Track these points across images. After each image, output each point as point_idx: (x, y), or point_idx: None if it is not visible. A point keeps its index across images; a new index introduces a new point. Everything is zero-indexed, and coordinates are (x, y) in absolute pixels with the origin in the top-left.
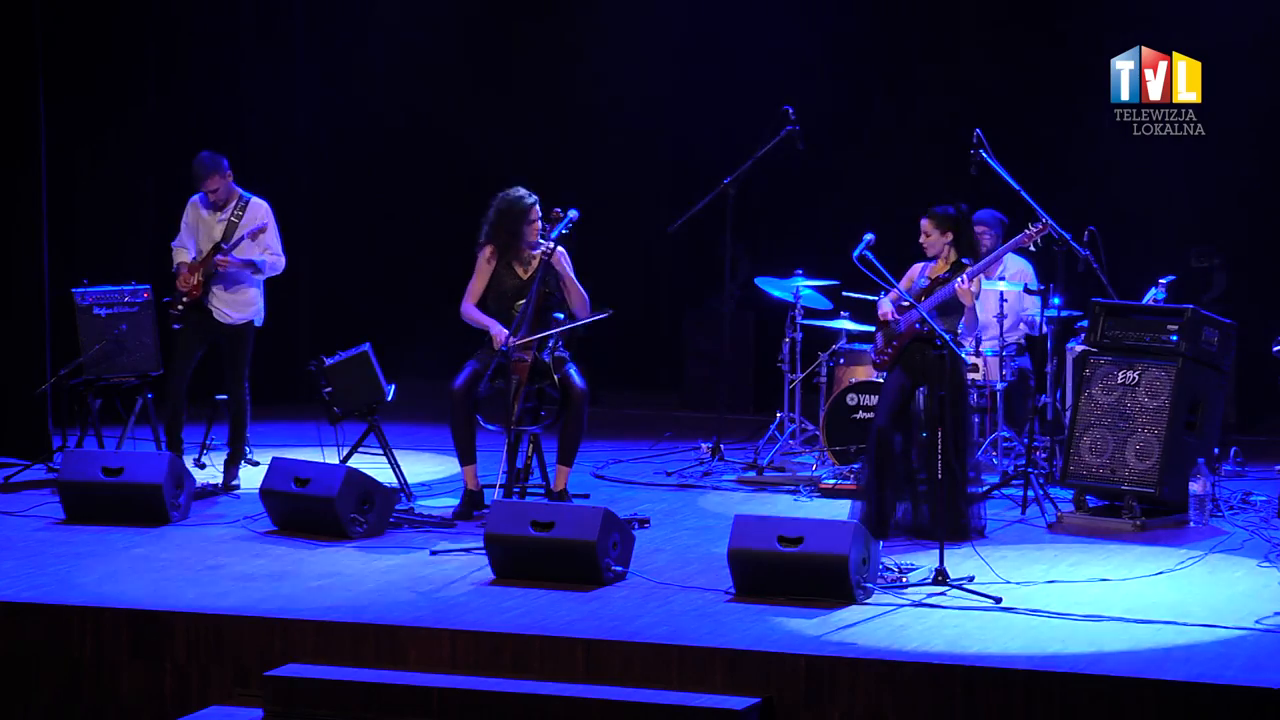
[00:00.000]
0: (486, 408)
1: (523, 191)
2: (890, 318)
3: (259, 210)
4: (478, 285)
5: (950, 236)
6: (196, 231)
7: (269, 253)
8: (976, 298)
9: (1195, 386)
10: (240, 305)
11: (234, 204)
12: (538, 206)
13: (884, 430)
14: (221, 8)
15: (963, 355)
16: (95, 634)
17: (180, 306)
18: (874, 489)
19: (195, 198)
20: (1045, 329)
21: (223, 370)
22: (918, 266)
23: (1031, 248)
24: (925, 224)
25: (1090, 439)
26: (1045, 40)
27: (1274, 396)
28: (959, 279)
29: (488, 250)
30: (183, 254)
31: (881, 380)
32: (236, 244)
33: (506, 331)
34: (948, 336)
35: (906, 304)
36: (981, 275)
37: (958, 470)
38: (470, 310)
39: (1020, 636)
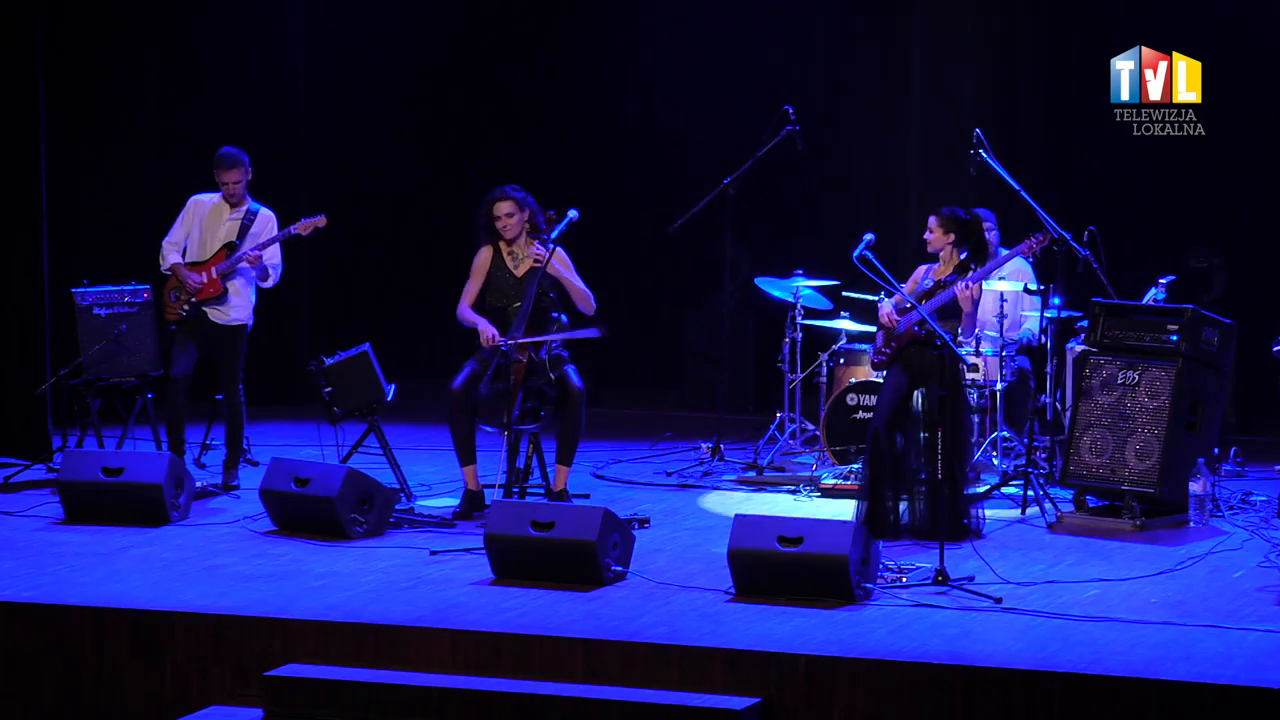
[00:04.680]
0: (485, 408)
1: (498, 189)
2: (890, 320)
3: (271, 220)
4: (472, 287)
5: (952, 237)
6: (201, 227)
7: (274, 253)
8: (976, 302)
9: (1195, 386)
10: (236, 307)
11: (245, 207)
12: (507, 203)
13: (880, 430)
14: (223, 10)
15: (963, 355)
16: (95, 634)
17: (186, 308)
18: (872, 489)
19: (202, 195)
20: (1043, 339)
21: (217, 371)
22: (922, 268)
23: (1031, 257)
24: (931, 221)
25: (1090, 439)
26: (1045, 40)
27: (1274, 396)
28: (960, 284)
29: (481, 252)
30: (174, 253)
31: (881, 380)
32: (269, 244)
33: (494, 329)
34: (948, 337)
35: (908, 305)
36: (983, 280)
37: (957, 470)
38: (464, 311)
39: (1020, 636)
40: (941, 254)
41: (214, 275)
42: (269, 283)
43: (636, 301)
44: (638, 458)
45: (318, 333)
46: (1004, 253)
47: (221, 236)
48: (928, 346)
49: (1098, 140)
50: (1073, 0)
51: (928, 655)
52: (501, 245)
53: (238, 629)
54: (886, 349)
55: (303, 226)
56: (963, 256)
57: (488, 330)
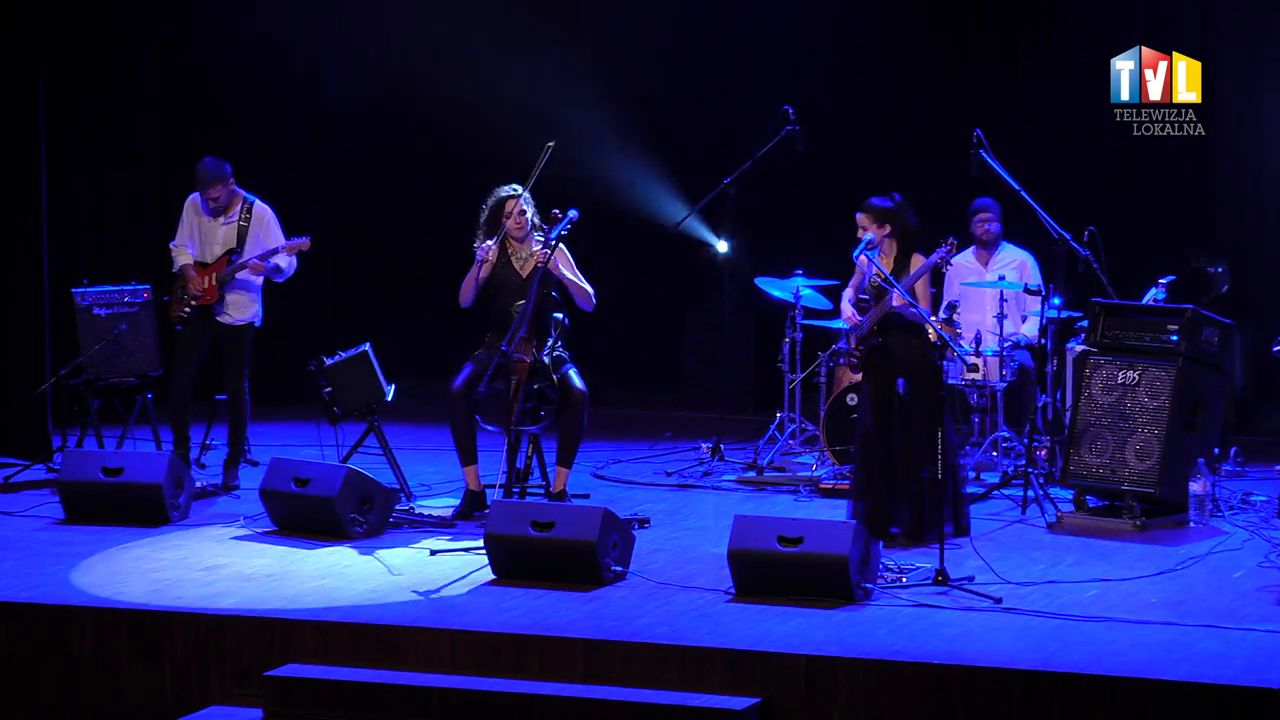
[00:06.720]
0: (485, 408)
1: (507, 186)
2: (851, 320)
3: (266, 214)
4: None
5: (888, 229)
6: (200, 232)
7: (281, 256)
8: (925, 297)
9: (1195, 386)
10: (241, 307)
11: (239, 208)
12: (520, 200)
13: (869, 430)
14: (223, 10)
15: (953, 344)
16: (95, 634)
17: (187, 310)
18: (865, 489)
19: (194, 197)
20: (1042, 341)
21: (223, 370)
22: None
23: (948, 266)
24: (860, 218)
25: (1090, 439)
26: (1045, 40)
27: (1274, 396)
28: (892, 295)
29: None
30: (184, 255)
31: None
32: (272, 253)
33: (487, 245)
34: (937, 329)
35: (864, 301)
36: (926, 276)
37: (945, 465)
38: (464, 285)
39: (1020, 636)
40: (881, 247)
41: (213, 283)
42: (282, 277)
43: (636, 301)
44: (638, 458)
45: (318, 333)
46: (924, 260)
47: (220, 241)
48: (892, 339)
49: (1098, 140)
50: (1073, 0)
51: (928, 655)
52: (507, 241)
53: (238, 629)
54: (856, 352)
55: (290, 248)
56: (898, 242)
57: (482, 248)
